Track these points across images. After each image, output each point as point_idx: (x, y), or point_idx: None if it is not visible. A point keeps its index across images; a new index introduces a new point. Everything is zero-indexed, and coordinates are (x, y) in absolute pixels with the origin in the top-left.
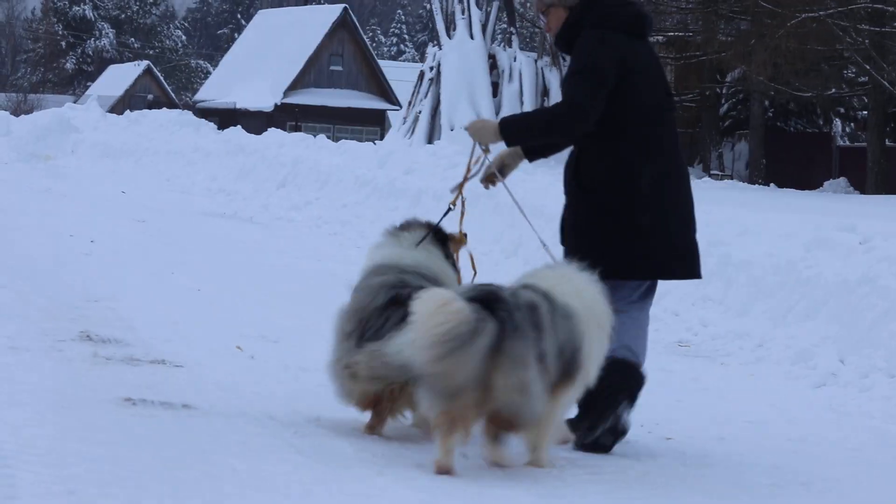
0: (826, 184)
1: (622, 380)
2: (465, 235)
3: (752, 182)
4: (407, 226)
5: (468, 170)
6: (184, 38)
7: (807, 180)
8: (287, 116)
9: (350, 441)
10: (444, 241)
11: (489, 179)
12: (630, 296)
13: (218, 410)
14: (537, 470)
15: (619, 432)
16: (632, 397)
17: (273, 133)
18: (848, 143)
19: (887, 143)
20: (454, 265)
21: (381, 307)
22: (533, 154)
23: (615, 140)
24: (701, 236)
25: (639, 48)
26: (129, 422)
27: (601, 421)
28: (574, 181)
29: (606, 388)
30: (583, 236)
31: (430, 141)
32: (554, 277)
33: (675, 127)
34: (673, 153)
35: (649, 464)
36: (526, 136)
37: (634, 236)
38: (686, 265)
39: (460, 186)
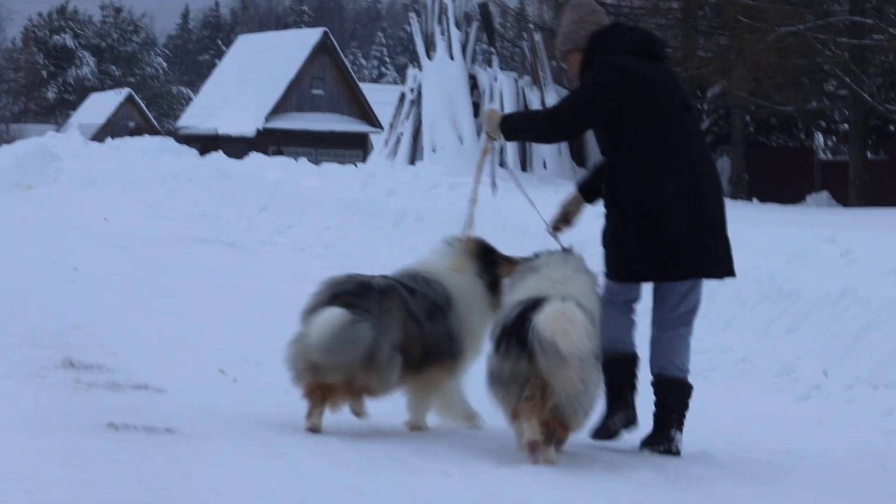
0: (808, 197)
1: (676, 399)
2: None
3: (734, 198)
4: (462, 239)
5: (483, 154)
6: (165, 65)
7: (789, 194)
8: (269, 141)
9: (333, 463)
10: (486, 258)
11: (555, 227)
12: (677, 305)
13: (200, 434)
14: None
15: (674, 450)
16: (681, 417)
17: (254, 157)
18: (830, 156)
19: (869, 155)
20: (493, 282)
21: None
22: (591, 196)
23: (637, 155)
24: None
25: (649, 68)
26: (112, 447)
27: (658, 443)
28: (607, 196)
29: (661, 408)
30: (617, 246)
31: (412, 162)
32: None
33: (696, 138)
34: (694, 162)
35: (630, 478)
36: (515, 133)
37: (664, 242)
38: (721, 263)
39: (478, 173)
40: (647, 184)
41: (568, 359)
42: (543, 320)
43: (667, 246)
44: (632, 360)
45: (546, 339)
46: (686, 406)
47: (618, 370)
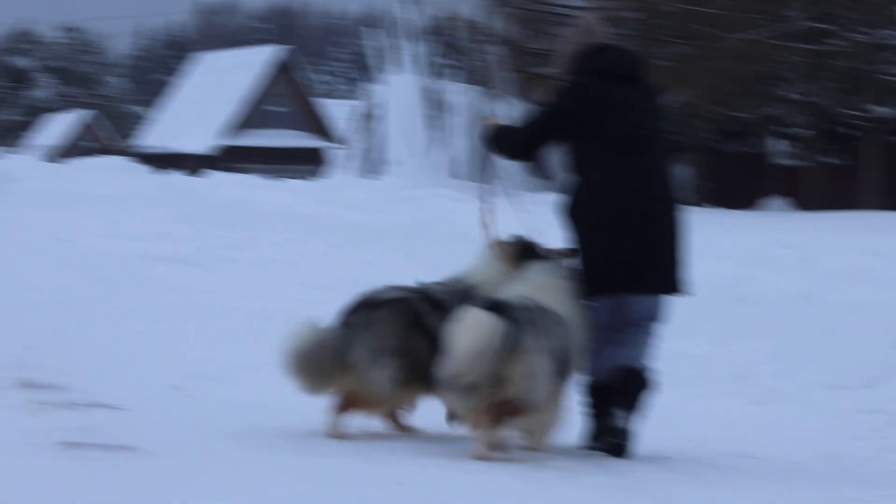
0: (766, 203)
1: (623, 383)
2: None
3: (692, 204)
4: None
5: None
6: (122, 84)
7: (747, 200)
8: (227, 158)
9: (292, 477)
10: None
11: None
12: (631, 316)
13: (159, 451)
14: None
15: (618, 433)
16: (629, 400)
17: (213, 175)
18: (787, 161)
19: (825, 160)
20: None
21: None
22: None
23: (586, 171)
24: None
25: (615, 89)
26: (68, 466)
27: (603, 425)
28: (561, 212)
29: (603, 396)
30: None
31: (370, 176)
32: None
33: (649, 158)
34: (636, 184)
35: (586, 483)
36: (490, 146)
37: (602, 256)
38: (662, 280)
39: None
40: (585, 201)
41: (474, 360)
42: (453, 328)
43: (601, 262)
44: (605, 388)
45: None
46: (634, 391)
47: (593, 398)
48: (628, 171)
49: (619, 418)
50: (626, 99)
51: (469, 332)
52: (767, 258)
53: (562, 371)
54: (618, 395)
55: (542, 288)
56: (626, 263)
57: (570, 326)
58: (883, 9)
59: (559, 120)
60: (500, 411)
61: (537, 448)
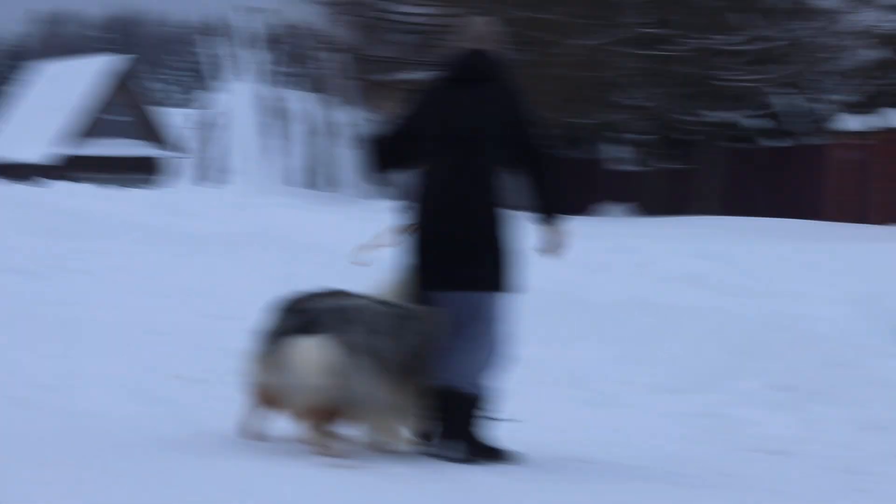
0: (605, 209)
1: (441, 406)
2: None
3: (523, 210)
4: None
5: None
6: None
7: (586, 207)
8: (64, 168)
9: (135, 488)
10: None
11: None
12: (465, 314)
13: None
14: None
15: (458, 460)
16: (455, 429)
17: (49, 184)
18: (626, 167)
19: (664, 165)
20: None
21: None
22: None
23: (418, 174)
24: None
25: (450, 91)
26: None
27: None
28: None
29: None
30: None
31: (212, 186)
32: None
33: (461, 159)
34: (443, 180)
35: (425, 489)
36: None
37: (416, 251)
38: (475, 279)
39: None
40: (415, 202)
41: (311, 385)
42: (290, 353)
43: (419, 259)
44: (447, 395)
45: (291, 368)
46: (448, 412)
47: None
48: (435, 172)
49: (447, 449)
50: (449, 101)
51: (304, 361)
52: (604, 263)
53: (401, 372)
54: (444, 422)
55: (392, 289)
56: (428, 261)
57: (416, 326)
58: (717, 15)
59: (404, 124)
60: (320, 415)
61: (381, 448)
